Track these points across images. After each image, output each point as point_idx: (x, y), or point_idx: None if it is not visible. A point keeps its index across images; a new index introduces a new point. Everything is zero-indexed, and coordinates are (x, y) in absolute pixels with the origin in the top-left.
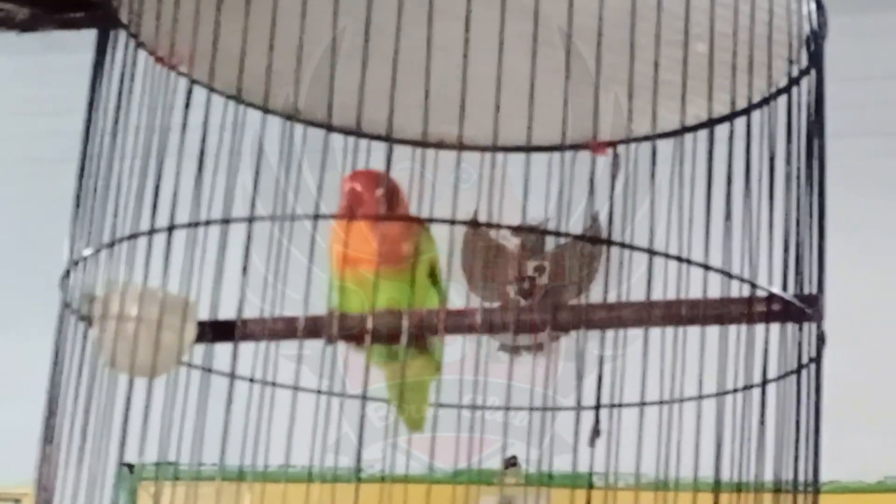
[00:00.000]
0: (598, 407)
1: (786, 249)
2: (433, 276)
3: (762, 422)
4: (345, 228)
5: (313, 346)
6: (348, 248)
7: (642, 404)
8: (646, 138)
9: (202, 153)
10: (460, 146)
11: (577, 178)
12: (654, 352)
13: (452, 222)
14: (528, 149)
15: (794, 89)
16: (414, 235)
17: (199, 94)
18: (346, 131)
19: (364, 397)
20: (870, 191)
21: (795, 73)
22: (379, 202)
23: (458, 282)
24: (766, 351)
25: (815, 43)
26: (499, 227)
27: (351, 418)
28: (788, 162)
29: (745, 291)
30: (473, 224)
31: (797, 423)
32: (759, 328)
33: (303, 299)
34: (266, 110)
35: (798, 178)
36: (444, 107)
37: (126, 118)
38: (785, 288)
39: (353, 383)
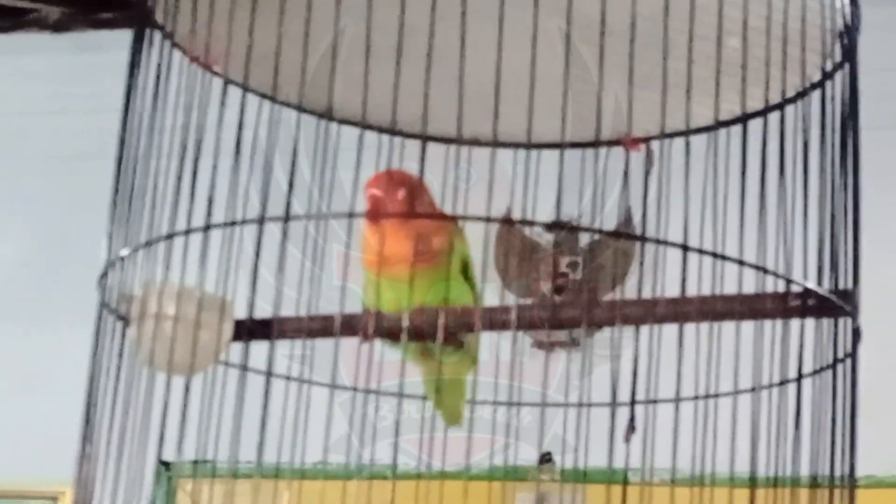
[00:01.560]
0: (633, 403)
1: (821, 244)
2: (466, 272)
3: (798, 417)
4: (374, 233)
5: (349, 344)
6: (380, 252)
7: (678, 400)
8: (679, 134)
9: (237, 152)
10: (494, 143)
11: (611, 175)
12: (689, 347)
13: (487, 219)
14: (562, 145)
15: (828, 83)
16: (445, 230)
17: (234, 93)
18: (381, 129)
19: (401, 394)
20: None
21: (829, 67)
22: (402, 203)
23: (492, 279)
24: (801, 346)
25: (848, 37)
26: (532, 223)
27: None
28: (823, 156)
29: (780, 286)
30: (507, 221)
31: (833, 417)
32: (795, 323)
33: (339, 297)
34: (301, 109)
35: (832, 172)
36: (478, 104)
37: (162, 117)
38: (820, 283)
39: (389, 381)
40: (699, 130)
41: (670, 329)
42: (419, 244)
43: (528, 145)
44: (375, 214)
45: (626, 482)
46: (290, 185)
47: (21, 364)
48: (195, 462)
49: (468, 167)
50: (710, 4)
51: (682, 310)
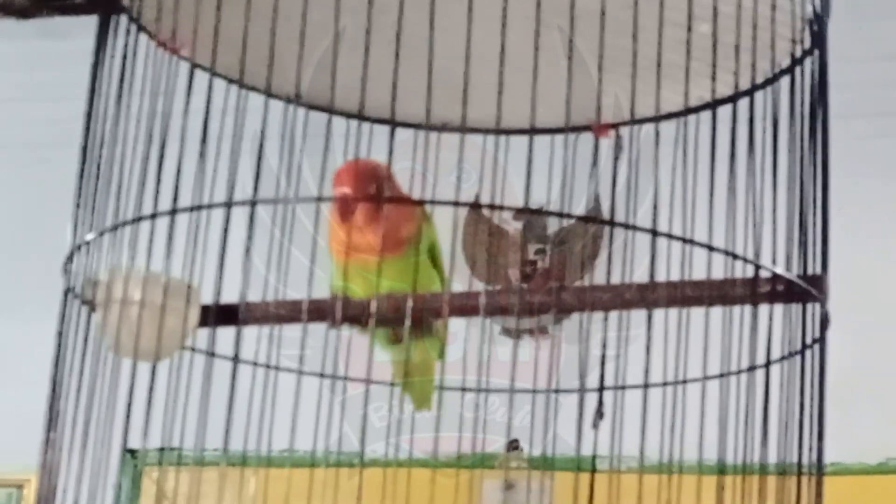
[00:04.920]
0: (601, 389)
1: (789, 230)
2: (433, 257)
3: (766, 403)
4: (342, 227)
5: (316, 329)
6: (348, 243)
7: (646, 386)
8: (649, 119)
9: (204, 137)
10: (463, 129)
11: (580, 161)
12: (657, 333)
13: (455, 204)
14: (531, 131)
15: (797, 69)
16: (413, 217)
17: (201, 78)
18: (349, 115)
19: (368, 381)
20: (872, 171)
21: (798, 53)
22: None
23: (461, 266)
24: (769, 332)
25: (817, 23)
26: (501, 208)
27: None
28: (792, 143)
29: (749, 272)
30: (475, 206)
31: (801, 404)
32: (763, 309)
33: (306, 283)
34: (268, 94)
35: (801, 158)
36: (447, 89)
37: (128, 103)
38: (789, 268)
39: (356, 367)
40: (669, 116)
41: (639, 315)
42: (387, 234)
43: (498, 131)
44: (346, 212)
45: (594, 469)
46: (258, 169)
47: None
48: (161, 449)
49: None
50: None
51: (650, 295)
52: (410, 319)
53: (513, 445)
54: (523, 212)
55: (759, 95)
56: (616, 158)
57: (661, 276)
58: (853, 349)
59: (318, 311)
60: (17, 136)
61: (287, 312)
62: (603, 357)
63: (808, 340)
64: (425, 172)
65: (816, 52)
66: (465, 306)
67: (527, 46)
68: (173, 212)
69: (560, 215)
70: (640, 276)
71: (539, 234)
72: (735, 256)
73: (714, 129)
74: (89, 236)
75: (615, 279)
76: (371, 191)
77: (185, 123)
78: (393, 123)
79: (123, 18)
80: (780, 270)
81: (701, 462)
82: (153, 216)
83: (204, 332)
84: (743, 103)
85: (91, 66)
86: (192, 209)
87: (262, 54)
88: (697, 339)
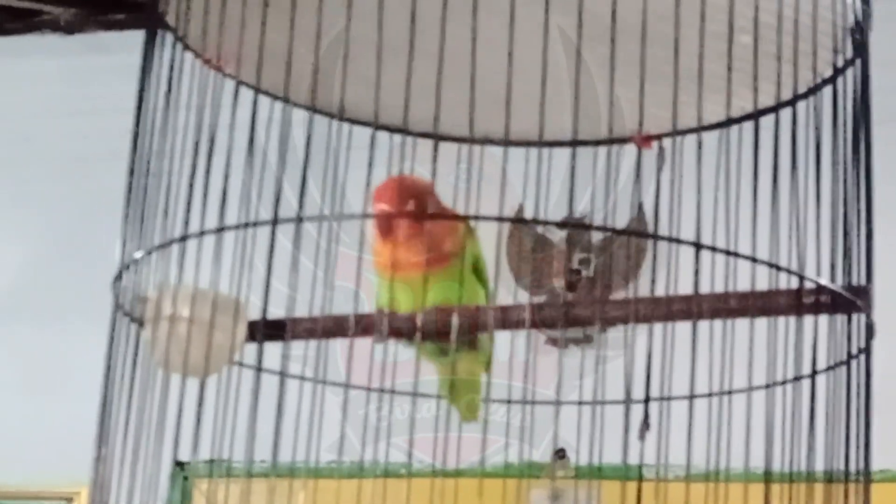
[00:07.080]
0: (647, 400)
1: (833, 240)
2: (477, 271)
3: (812, 413)
4: (385, 244)
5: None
6: (393, 259)
7: (692, 397)
8: (691, 131)
9: (250, 154)
10: (506, 142)
11: (623, 172)
12: (702, 344)
13: (499, 219)
14: (574, 143)
15: (840, 79)
16: (456, 231)
17: (246, 94)
18: (392, 129)
19: (415, 394)
20: None
21: (840, 62)
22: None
23: (505, 275)
24: (815, 342)
25: (859, 32)
26: (544, 222)
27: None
28: (835, 152)
29: (794, 283)
30: (518, 220)
31: (847, 413)
32: (808, 319)
33: (351, 298)
34: (313, 109)
35: (845, 168)
36: (490, 103)
37: (174, 119)
38: (833, 279)
39: (404, 379)
40: (711, 127)
41: (684, 326)
42: (431, 249)
43: (540, 143)
44: (386, 229)
45: (640, 478)
46: (303, 185)
47: (36, 365)
48: (210, 462)
49: (469, 166)
50: (720, 2)
51: (695, 307)
52: (456, 333)
53: (559, 455)
54: (566, 225)
55: (801, 105)
56: (659, 170)
57: (705, 288)
58: None
59: (364, 326)
60: (65, 150)
61: (333, 327)
62: (648, 368)
63: (854, 350)
64: (469, 185)
65: (858, 62)
66: (510, 320)
67: (568, 59)
68: (220, 229)
69: (604, 229)
70: (685, 287)
71: (583, 243)
72: (779, 268)
73: (756, 140)
74: (137, 254)
75: (660, 291)
76: (410, 206)
77: (230, 139)
78: (436, 137)
79: (169, 35)
80: (824, 281)
81: (747, 471)
82: (200, 234)
83: (252, 348)
84: (785, 113)
85: (137, 83)
86: (238, 227)
87: (307, 70)
88: (742, 350)
